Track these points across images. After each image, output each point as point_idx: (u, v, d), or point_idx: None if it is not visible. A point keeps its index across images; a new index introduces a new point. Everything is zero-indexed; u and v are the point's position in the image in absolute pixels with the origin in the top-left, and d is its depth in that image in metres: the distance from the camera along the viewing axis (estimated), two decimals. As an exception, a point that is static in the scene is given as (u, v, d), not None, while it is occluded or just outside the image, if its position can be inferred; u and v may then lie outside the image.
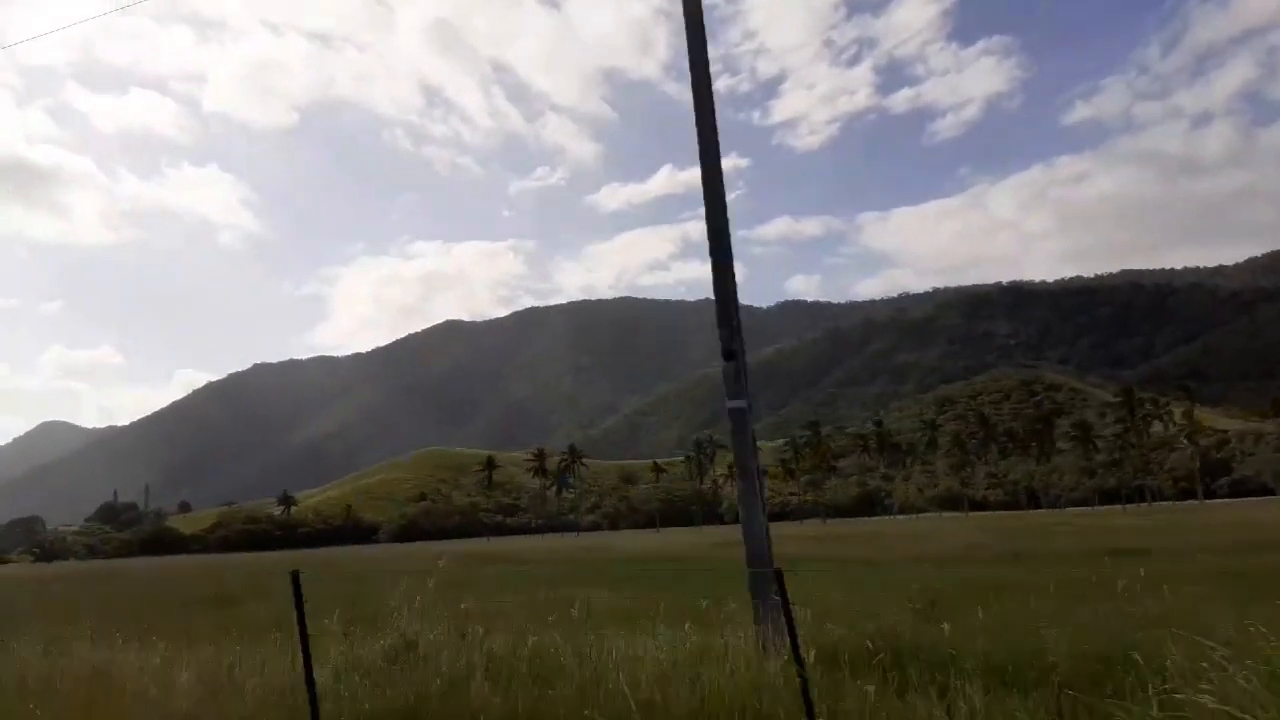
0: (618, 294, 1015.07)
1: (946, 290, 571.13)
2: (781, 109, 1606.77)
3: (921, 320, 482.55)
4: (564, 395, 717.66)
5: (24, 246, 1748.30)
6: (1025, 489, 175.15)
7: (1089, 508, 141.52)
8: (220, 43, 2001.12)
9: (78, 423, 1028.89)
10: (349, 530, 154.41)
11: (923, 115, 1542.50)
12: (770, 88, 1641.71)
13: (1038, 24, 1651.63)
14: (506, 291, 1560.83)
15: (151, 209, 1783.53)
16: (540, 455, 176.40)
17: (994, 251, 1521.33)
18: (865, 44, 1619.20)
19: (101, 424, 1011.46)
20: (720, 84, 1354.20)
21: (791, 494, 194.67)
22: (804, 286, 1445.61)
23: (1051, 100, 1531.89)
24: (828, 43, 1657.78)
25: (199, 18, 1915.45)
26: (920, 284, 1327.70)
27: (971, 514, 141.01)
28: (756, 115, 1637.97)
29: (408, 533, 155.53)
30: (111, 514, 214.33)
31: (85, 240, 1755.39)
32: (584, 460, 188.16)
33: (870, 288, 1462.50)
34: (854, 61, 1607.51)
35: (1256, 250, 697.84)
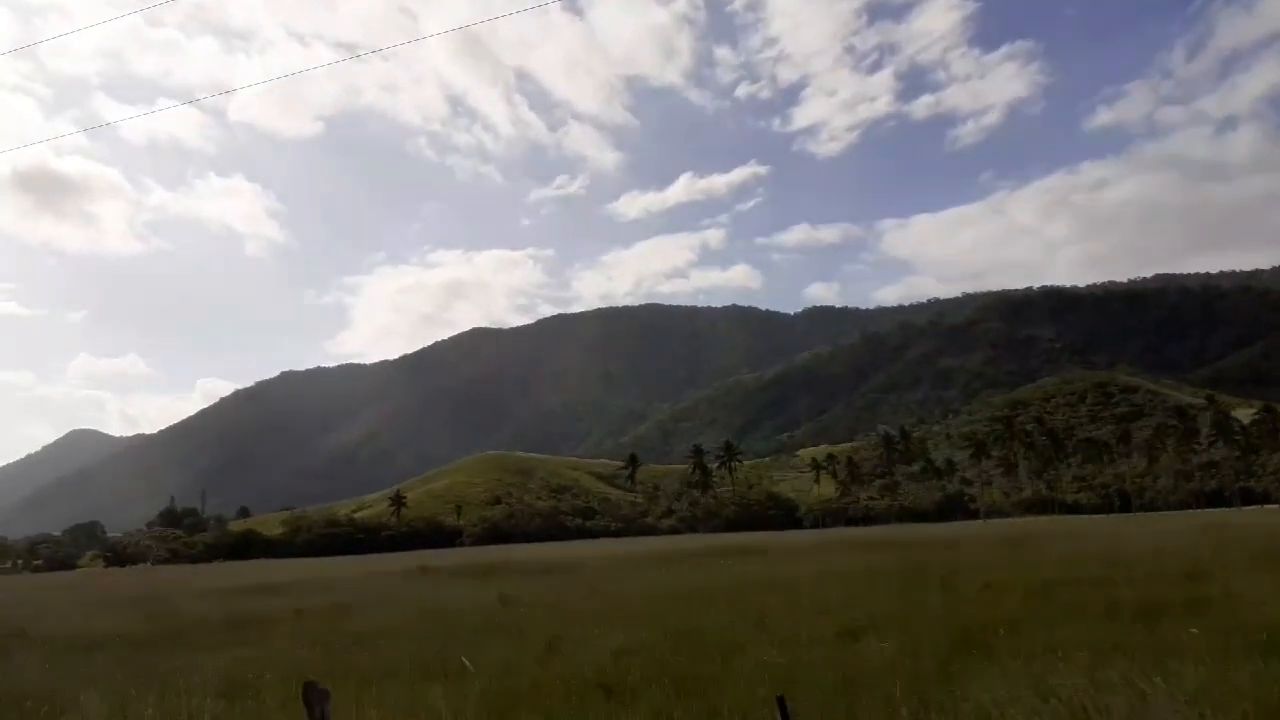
0: (637, 301, 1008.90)
1: (985, 295, 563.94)
2: (802, 116, 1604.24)
3: (962, 325, 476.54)
4: (592, 402, 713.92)
5: (52, 256, 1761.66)
6: (1117, 492, 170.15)
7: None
8: (246, 53, 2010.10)
9: (106, 430, 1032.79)
10: (431, 533, 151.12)
11: (944, 122, 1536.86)
12: (791, 94, 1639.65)
13: (1061, 29, 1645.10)
14: (525, 300, 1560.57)
15: (178, 219, 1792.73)
16: (698, 452, 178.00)
17: (1015, 258, 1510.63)
18: (887, 50, 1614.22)
19: (128, 432, 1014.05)
20: (741, 91, 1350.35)
21: (870, 499, 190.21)
22: (823, 294, 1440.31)
23: (1074, 106, 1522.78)
24: (849, 49, 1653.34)
25: (226, 28, 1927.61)
26: (941, 290, 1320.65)
27: (1099, 517, 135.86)
28: (777, 122, 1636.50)
29: (491, 535, 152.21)
30: (173, 518, 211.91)
31: (112, 250, 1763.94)
32: (739, 457, 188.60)
33: (890, 294, 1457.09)
34: (875, 68, 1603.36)
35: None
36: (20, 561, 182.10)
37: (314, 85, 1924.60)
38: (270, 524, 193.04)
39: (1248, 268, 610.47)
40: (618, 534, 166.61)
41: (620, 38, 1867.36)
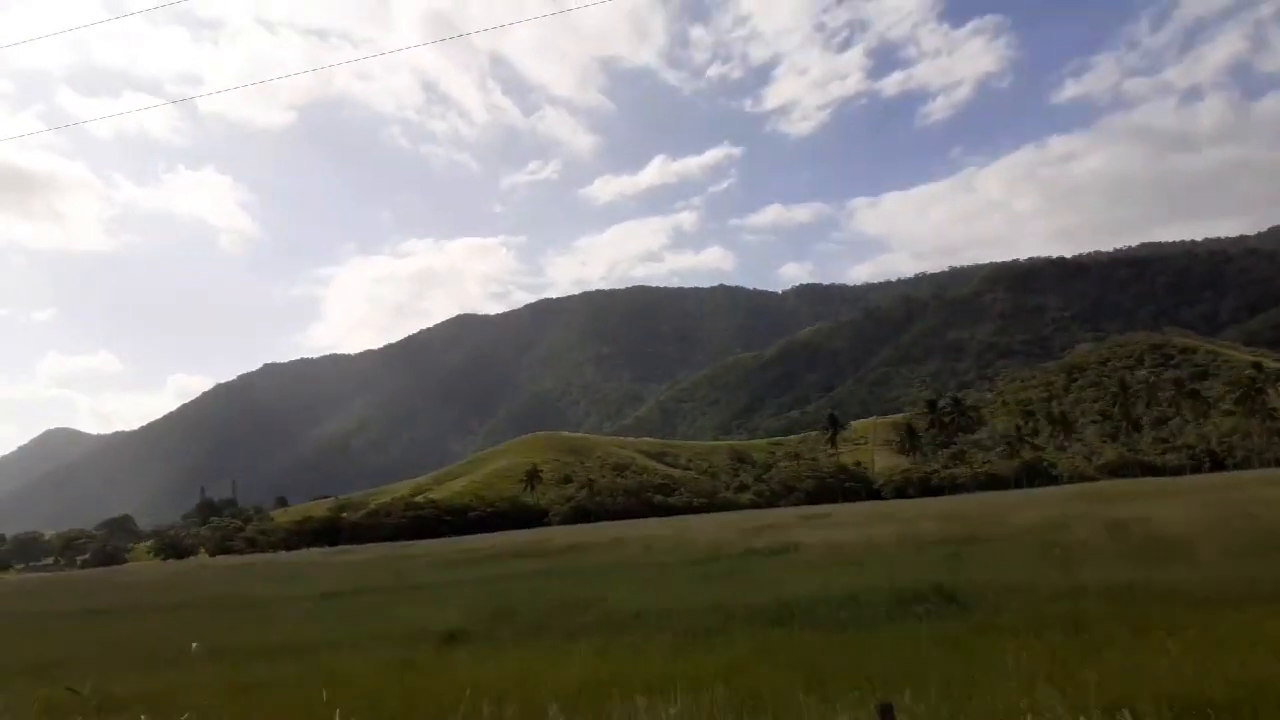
0: (611, 285, 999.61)
1: (986, 266, 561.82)
2: (774, 95, 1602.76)
3: (967, 297, 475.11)
4: (585, 386, 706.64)
5: (20, 254, 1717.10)
6: (1205, 452, 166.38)
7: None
8: (215, 43, 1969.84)
9: (81, 429, 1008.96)
10: (516, 513, 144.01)
11: (914, 98, 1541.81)
12: (762, 74, 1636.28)
13: (1028, 1, 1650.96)
14: (499, 287, 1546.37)
15: (148, 214, 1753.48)
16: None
17: (986, 233, 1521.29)
18: (857, 27, 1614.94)
19: (102, 430, 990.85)
20: (713, 71, 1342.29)
21: (946, 468, 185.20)
22: (797, 273, 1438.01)
23: (1042, 79, 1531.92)
24: (819, 26, 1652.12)
25: (194, 18, 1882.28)
26: (915, 267, 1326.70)
27: (1198, 478, 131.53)
28: (749, 103, 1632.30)
29: (577, 515, 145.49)
30: (211, 509, 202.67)
31: (82, 247, 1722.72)
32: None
33: (862, 272, 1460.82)
34: (845, 45, 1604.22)
35: (1276, 219, 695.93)
36: (61, 559, 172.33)
37: (285, 73, 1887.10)
38: (315, 511, 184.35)
39: (1230, 234, 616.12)
40: (701, 509, 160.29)
41: (594, 18, 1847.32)
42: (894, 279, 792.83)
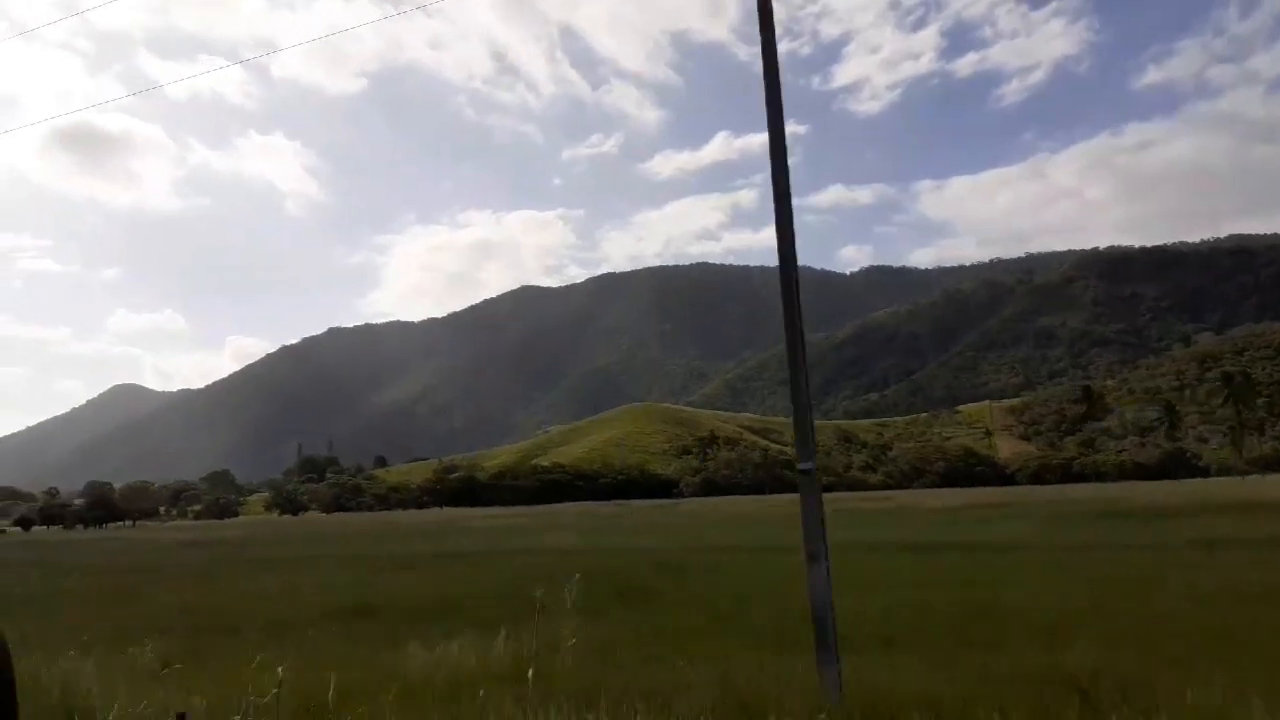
0: (665, 263, 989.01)
1: (1080, 253, 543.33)
2: (843, 73, 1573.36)
3: (1058, 283, 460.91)
4: (648, 361, 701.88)
5: (94, 213, 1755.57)
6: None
7: None
8: (291, 7, 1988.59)
9: (146, 385, 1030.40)
10: (646, 481, 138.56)
11: (987, 80, 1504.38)
12: (833, 51, 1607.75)
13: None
14: (554, 260, 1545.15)
15: (218, 176, 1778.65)
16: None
17: (1055, 220, 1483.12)
18: (932, 6, 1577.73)
19: (166, 387, 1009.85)
20: (782, 47, 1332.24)
21: (1083, 455, 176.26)
22: (856, 256, 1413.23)
23: (1122, 64, 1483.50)
24: (894, 4, 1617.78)
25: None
26: (978, 253, 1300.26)
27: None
28: (817, 80, 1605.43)
29: (706, 487, 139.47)
30: (314, 467, 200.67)
31: (153, 207, 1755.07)
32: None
33: (924, 257, 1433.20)
34: (920, 24, 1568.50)
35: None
36: (173, 510, 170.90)
37: (357, 41, 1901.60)
38: (412, 474, 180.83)
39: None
40: (829, 489, 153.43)
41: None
42: (967, 264, 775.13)
